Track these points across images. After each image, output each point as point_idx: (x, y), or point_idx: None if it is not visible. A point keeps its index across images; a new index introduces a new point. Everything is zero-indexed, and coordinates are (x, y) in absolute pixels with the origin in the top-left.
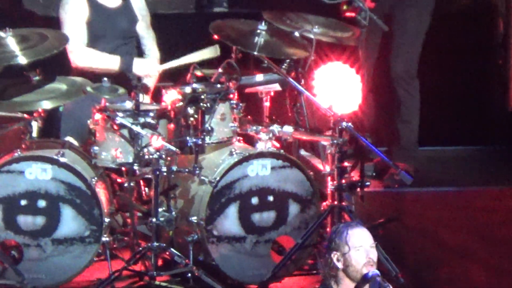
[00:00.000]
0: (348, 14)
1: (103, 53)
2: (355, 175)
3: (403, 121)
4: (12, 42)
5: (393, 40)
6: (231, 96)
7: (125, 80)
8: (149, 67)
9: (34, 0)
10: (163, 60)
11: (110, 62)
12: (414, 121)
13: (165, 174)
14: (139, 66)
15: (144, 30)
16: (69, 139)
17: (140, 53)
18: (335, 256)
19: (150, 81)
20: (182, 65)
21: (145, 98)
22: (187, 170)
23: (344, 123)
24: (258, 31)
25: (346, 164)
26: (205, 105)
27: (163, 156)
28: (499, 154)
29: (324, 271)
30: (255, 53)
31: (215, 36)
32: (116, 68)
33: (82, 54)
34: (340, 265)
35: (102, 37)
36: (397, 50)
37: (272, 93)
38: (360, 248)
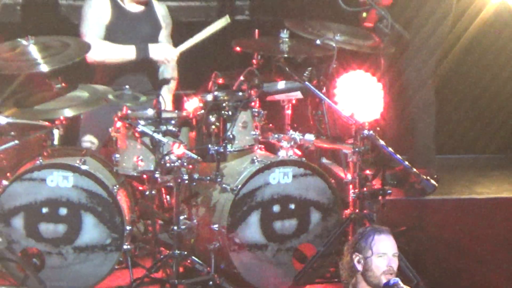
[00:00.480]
0: (366, 24)
1: (117, 44)
2: (376, 183)
3: (419, 127)
4: (34, 50)
5: (411, 47)
6: (253, 104)
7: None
8: (165, 50)
9: (56, 8)
10: (186, 77)
11: (126, 51)
12: (431, 127)
13: (186, 182)
14: (155, 51)
15: (165, 38)
16: (89, 137)
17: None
18: (356, 257)
19: (170, 67)
20: (198, 42)
21: (167, 106)
22: (208, 178)
23: (366, 131)
24: (281, 39)
25: (367, 172)
26: (226, 113)
27: (185, 164)
28: None
29: (343, 271)
30: (281, 59)
31: (237, 47)
32: (133, 56)
33: (96, 47)
34: (360, 267)
35: (123, 40)
36: (415, 58)
37: (293, 101)
38: (383, 255)
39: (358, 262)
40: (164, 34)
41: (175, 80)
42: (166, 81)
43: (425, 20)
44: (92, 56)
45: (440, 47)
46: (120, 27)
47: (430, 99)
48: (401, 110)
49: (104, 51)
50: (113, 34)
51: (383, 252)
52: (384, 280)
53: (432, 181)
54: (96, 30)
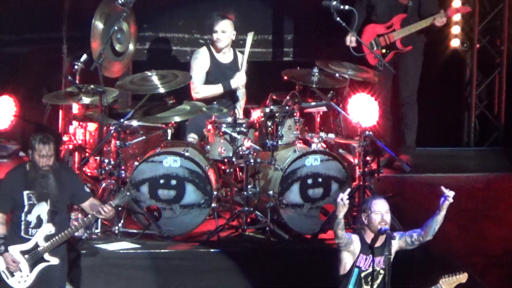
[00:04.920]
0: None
1: (211, 85)
2: (373, 165)
3: (407, 129)
4: (155, 79)
5: (399, 78)
6: (295, 114)
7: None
8: (239, 79)
9: (169, 53)
10: (252, 96)
11: (216, 89)
12: (414, 129)
13: (252, 164)
14: (234, 82)
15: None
16: (192, 135)
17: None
18: (363, 215)
19: (241, 91)
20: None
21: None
22: (266, 161)
23: (367, 132)
24: (313, 73)
25: (368, 158)
26: (278, 120)
27: (251, 152)
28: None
29: (357, 224)
30: (313, 85)
31: (285, 77)
32: (222, 91)
33: (199, 91)
34: (365, 222)
35: (216, 83)
36: (403, 84)
37: (321, 113)
38: (378, 212)
39: (364, 218)
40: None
41: (244, 99)
42: (239, 99)
43: (407, 61)
44: (197, 96)
45: (419, 75)
46: (215, 74)
47: (413, 107)
48: (389, 118)
49: (205, 93)
50: (210, 77)
51: (378, 211)
52: (379, 227)
53: (408, 164)
54: (199, 78)
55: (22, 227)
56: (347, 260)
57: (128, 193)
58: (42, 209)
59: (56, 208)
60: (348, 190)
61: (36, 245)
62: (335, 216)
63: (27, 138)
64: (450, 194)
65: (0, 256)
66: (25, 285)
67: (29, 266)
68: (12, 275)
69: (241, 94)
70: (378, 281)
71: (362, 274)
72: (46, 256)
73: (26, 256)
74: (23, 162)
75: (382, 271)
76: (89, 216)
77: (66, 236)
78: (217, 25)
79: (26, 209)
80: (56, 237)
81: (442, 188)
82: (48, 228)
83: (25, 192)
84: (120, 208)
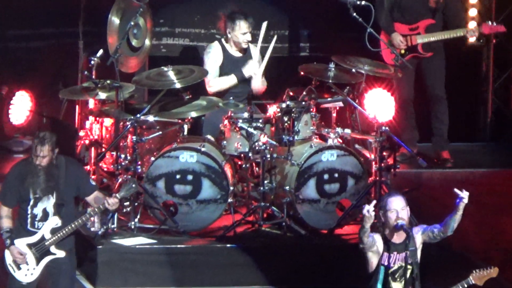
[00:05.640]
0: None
1: (224, 77)
2: (390, 161)
3: (444, 124)
4: (171, 74)
5: (428, 75)
6: (311, 109)
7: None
8: (252, 67)
9: (181, 48)
10: (269, 91)
11: (230, 80)
12: (447, 124)
13: (268, 159)
14: (246, 71)
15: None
16: (209, 136)
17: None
18: (380, 213)
19: (256, 80)
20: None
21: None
22: (282, 156)
23: (383, 127)
24: (329, 68)
25: (384, 153)
26: (294, 115)
27: (268, 147)
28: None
29: (378, 222)
30: (330, 81)
31: (302, 73)
32: (236, 81)
33: (213, 84)
34: (383, 219)
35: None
36: (435, 81)
37: (337, 108)
38: (393, 210)
39: (382, 216)
40: (263, 64)
41: (262, 86)
42: (255, 89)
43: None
44: (211, 90)
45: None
46: (227, 67)
47: (445, 103)
48: (407, 114)
49: (219, 85)
50: (223, 71)
51: (394, 209)
52: (395, 223)
53: (424, 160)
54: (213, 73)
55: (29, 220)
56: (373, 259)
57: (133, 185)
58: (48, 202)
59: (63, 201)
60: (374, 202)
61: (43, 238)
62: (361, 226)
63: None
64: (464, 195)
65: (7, 249)
66: (32, 278)
67: (35, 259)
68: (19, 268)
69: (257, 82)
70: (407, 276)
71: (389, 271)
72: (53, 249)
73: (33, 249)
74: (28, 157)
75: (409, 266)
76: (95, 209)
77: (73, 229)
78: (244, 27)
79: (32, 202)
80: (63, 230)
81: (456, 190)
82: (54, 221)
83: (31, 186)
84: (128, 202)
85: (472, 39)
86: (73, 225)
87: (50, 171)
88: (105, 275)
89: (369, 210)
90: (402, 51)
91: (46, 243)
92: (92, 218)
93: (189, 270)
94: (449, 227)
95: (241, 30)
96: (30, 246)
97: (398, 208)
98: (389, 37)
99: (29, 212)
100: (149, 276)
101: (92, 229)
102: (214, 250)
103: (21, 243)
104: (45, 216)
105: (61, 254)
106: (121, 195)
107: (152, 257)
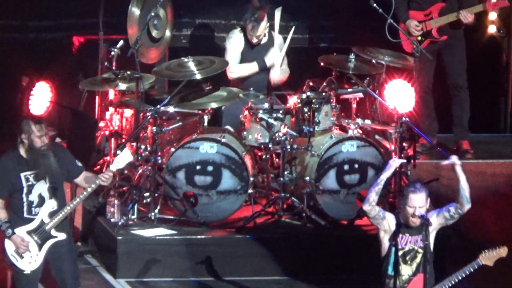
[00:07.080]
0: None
1: (246, 64)
2: (410, 151)
3: (465, 113)
4: (192, 65)
5: (450, 65)
6: (332, 100)
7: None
8: (273, 56)
9: (205, 39)
10: (289, 82)
11: (252, 68)
12: (466, 110)
13: (289, 150)
14: (268, 59)
15: (280, 58)
16: (228, 127)
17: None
18: (401, 202)
19: (276, 69)
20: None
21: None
22: (303, 147)
23: (403, 118)
24: (349, 59)
25: (404, 144)
26: (315, 106)
27: (288, 138)
28: None
29: (398, 210)
30: (350, 72)
31: (322, 63)
32: (257, 69)
33: (234, 70)
34: (401, 208)
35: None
36: (456, 71)
37: (357, 99)
38: (412, 207)
39: (401, 207)
40: (280, 55)
41: (286, 76)
42: (272, 81)
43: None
44: (232, 76)
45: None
46: (250, 55)
47: (467, 92)
48: (427, 105)
49: (240, 72)
50: (244, 58)
51: (413, 205)
52: (409, 219)
53: (443, 150)
54: (234, 58)
55: (25, 208)
56: (384, 240)
57: (126, 155)
58: (42, 187)
59: (56, 184)
60: (404, 160)
61: (42, 223)
62: (377, 176)
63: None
64: (451, 161)
65: (8, 239)
66: (35, 265)
67: (37, 246)
68: (21, 257)
69: (277, 71)
70: (418, 260)
71: (400, 253)
72: (53, 232)
73: (34, 235)
74: (12, 148)
75: (420, 250)
76: (88, 189)
77: (71, 209)
78: (259, 29)
79: (25, 190)
80: (61, 212)
81: (443, 163)
82: (51, 205)
83: (22, 174)
84: (148, 193)
85: (464, 19)
86: (71, 205)
87: (41, 155)
88: (125, 266)
89: (396, 159)
90: (419, 38)
91: (46, 227)
92: (112, 209)
93: (208, 261)
94: (462, 198)
95: (255, 29)
96: (30, 233)
97: (417, 205)
98: (406, 27)
99: (24, 200)
100: (169, 267)
101: (112, 220)
102: (234, 241)
103: (21, 231)
104: (42, 201)
105: (62, 236)
106: (115, 167)
107: (172, 248)
